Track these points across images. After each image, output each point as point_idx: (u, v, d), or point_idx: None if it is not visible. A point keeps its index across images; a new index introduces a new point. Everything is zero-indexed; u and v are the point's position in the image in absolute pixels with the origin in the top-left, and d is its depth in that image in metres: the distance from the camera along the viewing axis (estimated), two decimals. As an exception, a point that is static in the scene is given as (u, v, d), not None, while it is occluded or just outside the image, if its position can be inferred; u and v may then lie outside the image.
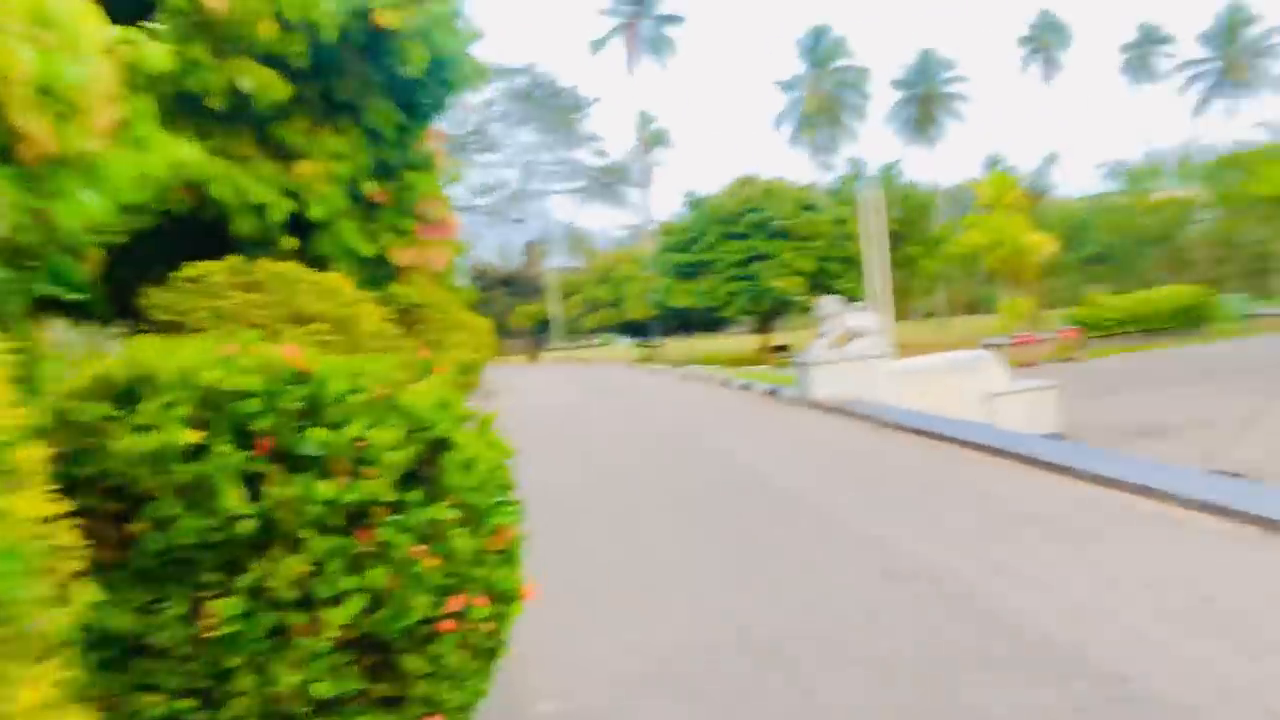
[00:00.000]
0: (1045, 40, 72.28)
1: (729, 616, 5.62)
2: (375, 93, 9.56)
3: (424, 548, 3.37)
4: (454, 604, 3.42)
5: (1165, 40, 70.47)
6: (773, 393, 16.88)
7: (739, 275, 33.60)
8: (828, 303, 15.20)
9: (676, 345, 41.04)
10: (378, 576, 3.31)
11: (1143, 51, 70.85)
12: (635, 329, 45.44)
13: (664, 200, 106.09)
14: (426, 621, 3.38)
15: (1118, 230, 33.29)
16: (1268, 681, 4.12)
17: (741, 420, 15.03)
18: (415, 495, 3.45)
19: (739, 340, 42.42)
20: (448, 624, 3.40)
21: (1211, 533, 6.40)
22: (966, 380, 14.24)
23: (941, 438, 10.94)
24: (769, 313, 35.50)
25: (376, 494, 3.38)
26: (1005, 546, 6.56)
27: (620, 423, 16.35)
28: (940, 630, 5.06)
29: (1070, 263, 33.09)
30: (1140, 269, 31.99)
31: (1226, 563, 5.80)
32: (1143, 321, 23.04)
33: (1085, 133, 76.81)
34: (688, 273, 34.94)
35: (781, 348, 33.78)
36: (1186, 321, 23.15)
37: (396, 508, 3.43)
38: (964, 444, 10.52)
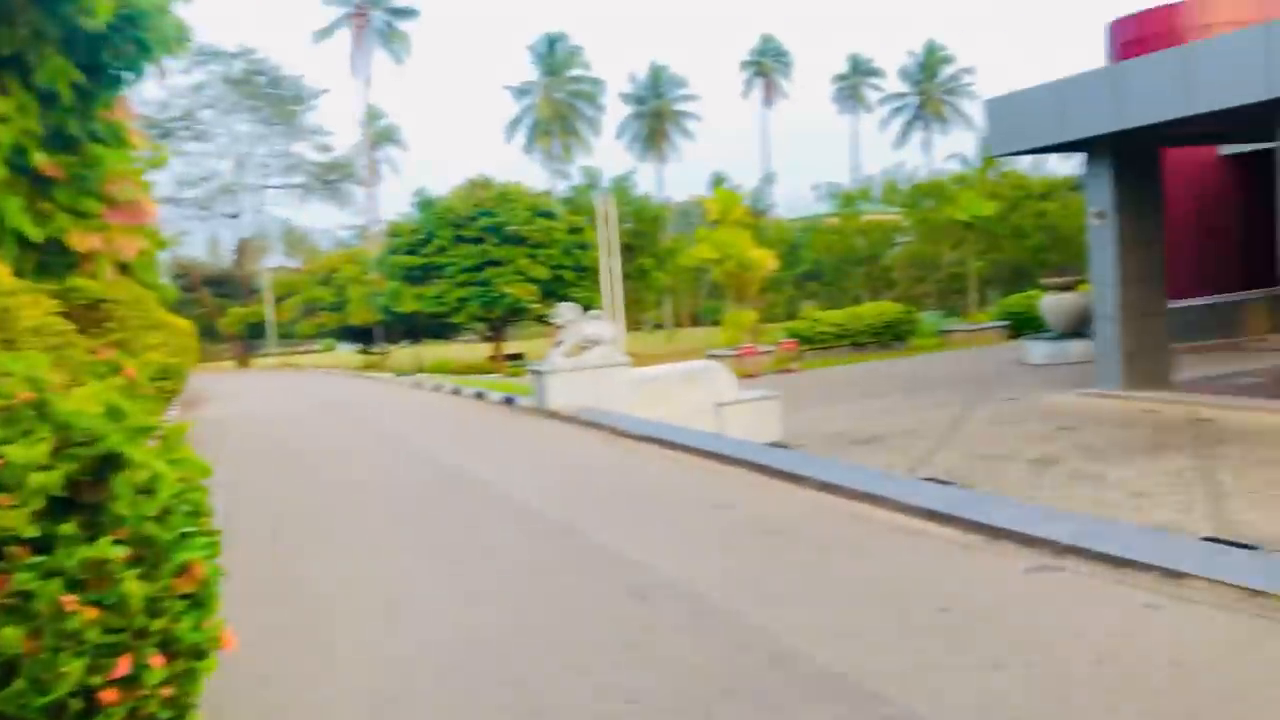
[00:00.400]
0: (766, 65, 76.64)
1: (469, 645, 5.07)
2: (49, 47, 8.13)
3: (75, 597, 2.60)
4: (121, 667, 2.66)
5: (874, 73, 76.63)
6: (508, 402, 16.41)
7: (471, 280, 32.83)
8: (565, 310, 14.93)
9: (403, 352, 39.54)
10: (11, 638, 2.51)
11: (853, 82, 76.68)
12: (359, 334, 43.32)
13: (394, 201, 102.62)
14: (81, 693, 2.62)
15: (829, 249, 35.75)
16: (1014, 692, 4.12)
17: (475, 431, 14.44)
18: (69, 528, 2.67)
19: (470, 348, 41.54)
20: (110, 694, 2.64)
21: (941, 540, 6.59)
22: (698, 390, 14.43)
23: (677, 447, 10.92)
24: (501, 320, 34.97)
25: (13, 528, 2.58)
26: (749, 559, 6.44)
27: (343, 434, 15.26)
28: (692, 653, 4.77)
29: (787, 278, 35.11)
30: (849, 286, 34.49)
31: (961, 572, 5.95)
32: (853, 336, 24.70)
33: (802, 155, 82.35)
34: (416, 276, 33.74)
35: (514, 356, 33.35)
36: (891, 336, 25.07)
37: (42, 545, 2.64)
38: (699, 453, 10.53)
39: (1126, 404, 13.57)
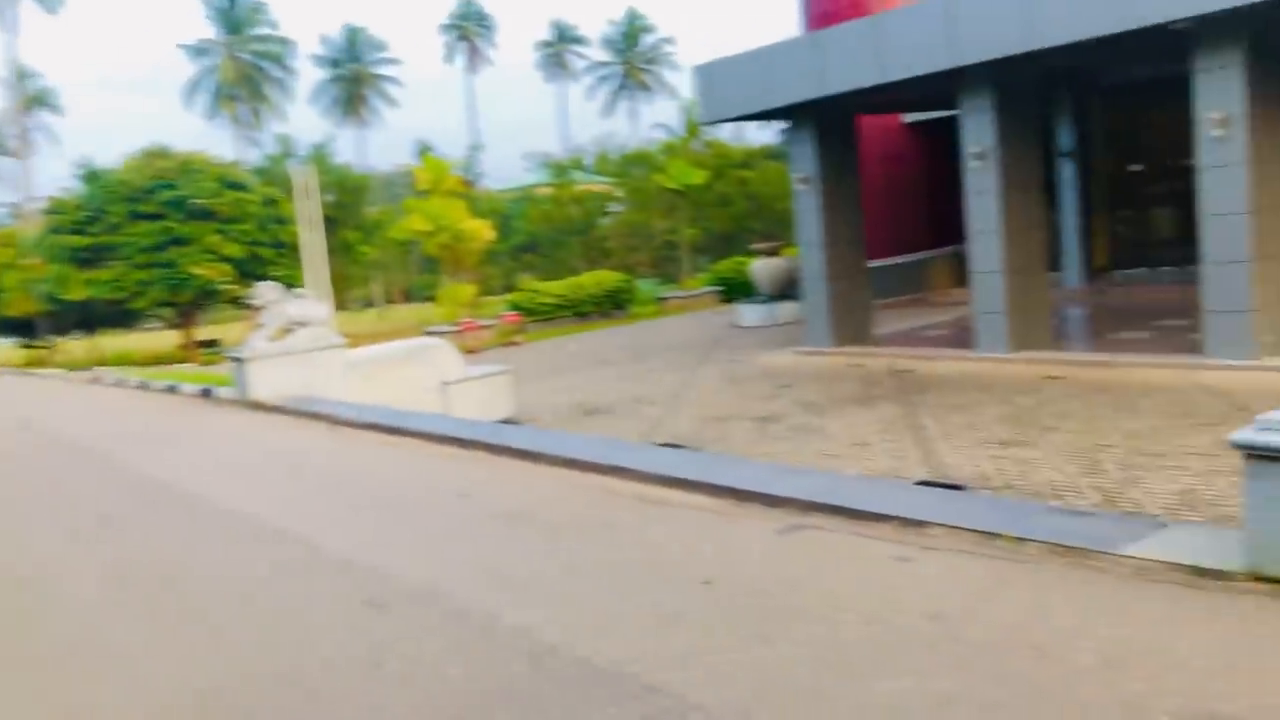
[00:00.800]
0: (469, 30, 74.90)
1: (183, 696, 4.25)
2: None
3: None
4: None
5: (579, 40, 76.69)
6: (205, 394, 14.81)
7: (153, 262, 29.64)
8: (266, 290, 13.60)
9: (77, 345, 35.20)
10: None
11: (558, 49, 76.47)
12: (19, 327, 38.00)
13: (55, 174, 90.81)
14: None
15: (544, 219, 35.55)
16: (792, 665, 3.95)
17: (168, 430, 12.88)
18: None
19: (156, 337, 37.67)
20: None
21: (691, 508, 6.44)
22: (421, 369, 13.69)
23: (403, 432, 10.23)
24: (191, 304, 31.91)
25: None
26: (497, 550, 5.98)
27: (3, 443, 13.13)
28: (447, 663, 4.26)
29: (503, 250, 34.57)
30: (565, 256, 34.48)
31: (716, 540, 5.79)
32: (575, 306, 24.66)
33: (510, 123, 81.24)
34: (86, 259, 30.01)
35: (209, 343, 30.60)
36: (612, 305, 25.27)
37: None
38: (428, 437, 9.92)
39: (836, 359, 14.33)
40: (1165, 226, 17.93)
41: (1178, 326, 12.72)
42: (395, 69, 72.60)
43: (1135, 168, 18.53)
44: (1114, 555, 4.79)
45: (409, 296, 46.07)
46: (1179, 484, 7.54)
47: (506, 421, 12.23)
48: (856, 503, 6.03)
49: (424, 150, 33.69)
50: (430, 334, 19.18)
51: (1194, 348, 11.15)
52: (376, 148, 72.93)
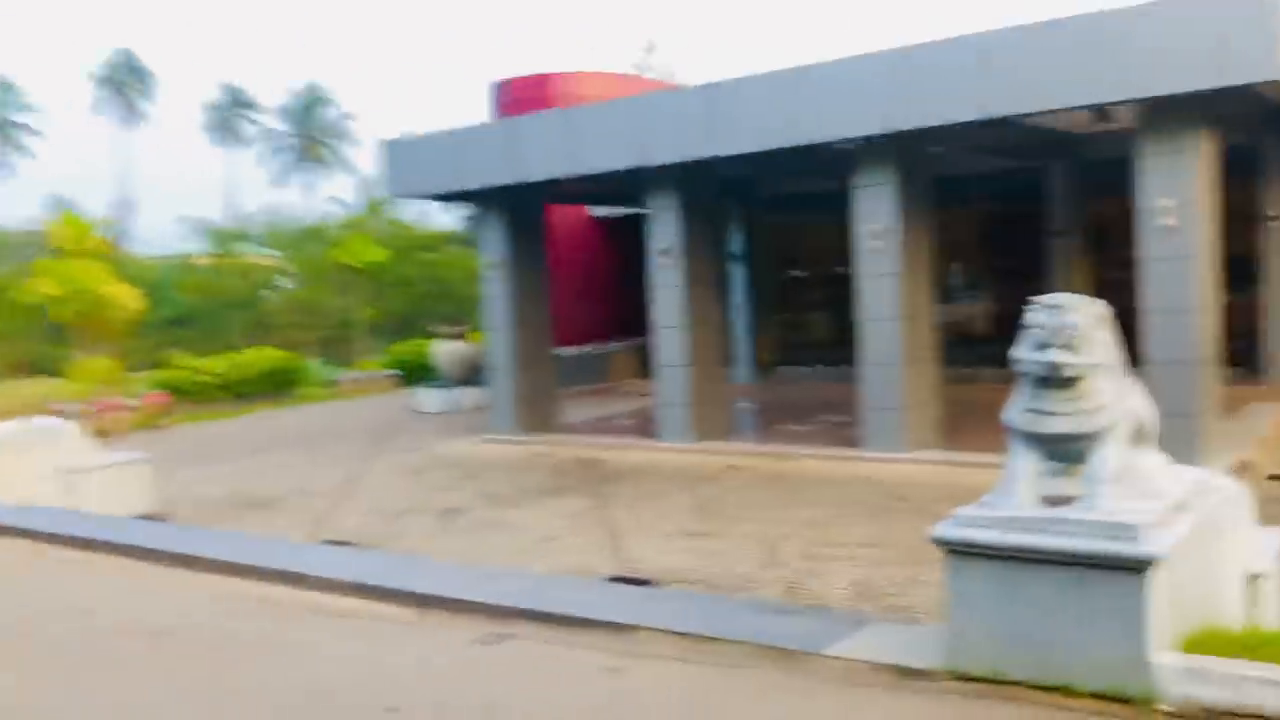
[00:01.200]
0: (124, 83, 68.75)
1: None
2: None
3: None
4: None
5: (251, 106, 72.29)
6: None
7: None
8: None
9: None
10: None
11: (228, 114, 71.72)
12: None
13: None
14: None
15: (201, 291, 32.61)
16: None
17: None
18: None
19: None
20: None
21: (375, 619, 5.72)
22: (37, 454, 11.65)
23: (10, 531, 8.58)
24: None
25: None
26: (134, 681, 4.92)
27: None
28: None
29: (152, 322, 31.29)
30: (225, 332, 31.72)
31: (404, 656, 5.11)
32: (235, 386, 22.51)
33: (168, 186, 74.35)
34: None
35: None
36: (277, 386, 23.34)
37: None
38: (45, 537, 8.41)
39: (522, 448, 13.99)
40: (822, 329, 19.51)
41: (839, 422, 13.64)
42: (32, 116, 64.81)
43: (796, 273, 20.11)
44: (820, 656, 4.70)
45: (35, 369, 40.29)
46: (853, 574, 7.83)
47: (147, 517, 10.66)
48: (559, 608, 5.64)
49: (64, 207, 29.97)
50: (54, 413, 16.63)
51: (854, 441, 11.94)
52: (5, 201, 64.47)
